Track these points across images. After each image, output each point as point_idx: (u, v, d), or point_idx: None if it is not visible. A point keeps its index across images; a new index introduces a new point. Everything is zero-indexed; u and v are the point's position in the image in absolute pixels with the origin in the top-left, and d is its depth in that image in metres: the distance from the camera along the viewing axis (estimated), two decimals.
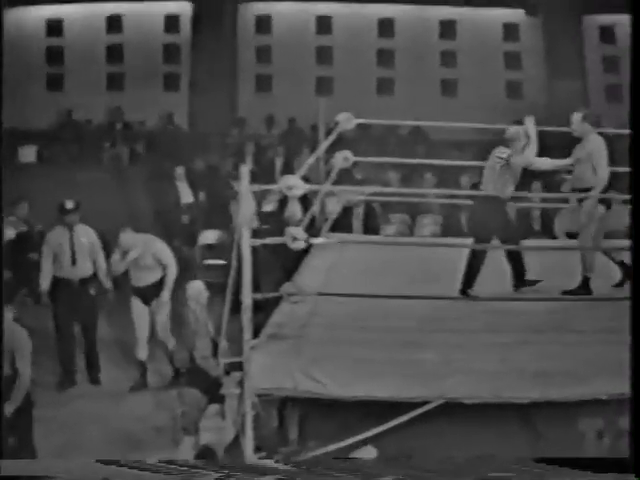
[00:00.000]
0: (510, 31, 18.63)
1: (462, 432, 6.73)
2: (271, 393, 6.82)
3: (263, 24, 18.67)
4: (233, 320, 7.21)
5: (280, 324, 7.51)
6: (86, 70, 18.25)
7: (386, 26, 18.65)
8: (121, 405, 9.32)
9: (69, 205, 9.97)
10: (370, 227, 11.59)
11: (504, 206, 8.48)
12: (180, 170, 13.89)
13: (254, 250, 6.82)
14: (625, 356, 6.14)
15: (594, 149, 8.31)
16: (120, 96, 18.26)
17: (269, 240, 7.14)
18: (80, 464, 6.60)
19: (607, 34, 18.37)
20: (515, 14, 18.62)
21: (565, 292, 8.20)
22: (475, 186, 10.77)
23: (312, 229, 9.49)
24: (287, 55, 18.53)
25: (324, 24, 18.65)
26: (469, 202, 9.43)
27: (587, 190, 8.28)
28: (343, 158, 10.34)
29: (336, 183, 10.30)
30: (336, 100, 14.12)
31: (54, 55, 18.41)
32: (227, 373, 7.08)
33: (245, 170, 6.93)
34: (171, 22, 18.52)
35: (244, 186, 6.91)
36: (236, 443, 6.96)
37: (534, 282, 8.36)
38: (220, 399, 7.31)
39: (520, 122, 8.47)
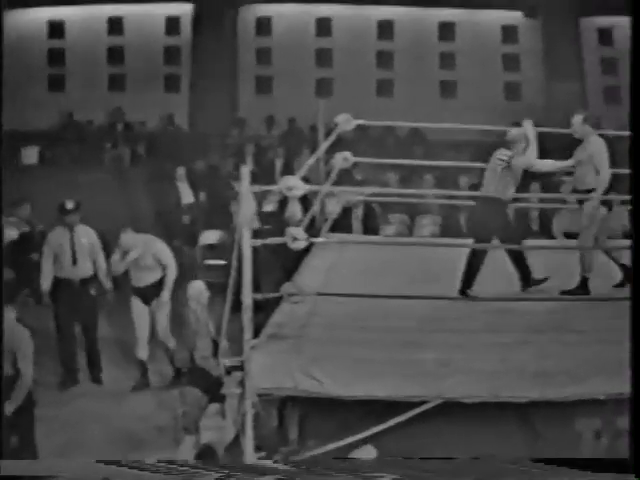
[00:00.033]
0: (509, 33, 18.66)
1: (461, 432, 6.73)
2: (271, 393, 6.81)
3: (263, 26, 18.70)
4: (233, 320, 7.22)
5: (280, 324, 7.50)
6: (87, 71, 18.31)
7: (385, 28, 18.68)
8: (123, 405, 9.34)
9: (69, 205, 9.99)
10: (370, 227, 11.60)
11: (505, 208, 8.48)
12: (181, 171, 13.89)
13: (254, 250, 6.82)
14: (624, 356, 6.17)
15: (595, 151, 8.31)
16: (121, 97, 18.30)
17: (269, 240, 7.15)
18: (81, 464, 6.61)
19: (605, 36, 18.40)
20: (514, 16, 18.65)
21: (564, 292, 8.22)
22: (474, 187, 10.80)
23: (312, 229, 9.50)
24: (287, 57, 18.56)
25: (324, 26, 18.68)
26: (468, 203, 9.44)
27: (589, 192, 8.26)
28: (343, 159, 10.36)
29: (336, 184, 10.32)
30: (336, 101, 14.18)
31: (55, 57, 18.46)
32: (228, 373, 7.08)
33: (245, 171, 6.93)
34: (172, 24, 18.57)
35: (244, 186, 6.91)
36: (236, 442, 6.98)
37: (541, 281, 8.34)
38: (221, 398, 7.33)
39: (519, 124, 8.49)
